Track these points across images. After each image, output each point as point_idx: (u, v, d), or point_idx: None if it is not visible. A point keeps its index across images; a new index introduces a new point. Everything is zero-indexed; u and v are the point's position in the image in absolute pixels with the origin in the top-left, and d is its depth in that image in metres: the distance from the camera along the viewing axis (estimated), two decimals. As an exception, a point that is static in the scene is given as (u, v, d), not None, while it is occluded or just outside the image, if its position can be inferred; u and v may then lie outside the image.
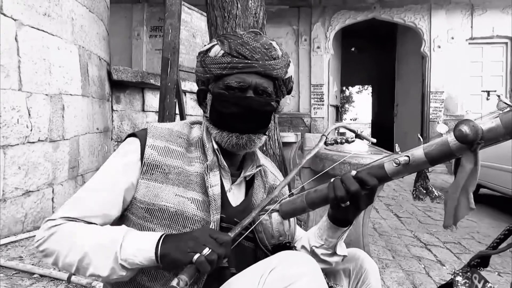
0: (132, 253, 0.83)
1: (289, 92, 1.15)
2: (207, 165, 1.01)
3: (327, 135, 1.13)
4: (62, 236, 0.88)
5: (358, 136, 1.20)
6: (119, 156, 1.02)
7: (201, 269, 0.79)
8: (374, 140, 1.21)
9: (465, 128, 0.71)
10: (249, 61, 1.00)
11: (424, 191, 0.89)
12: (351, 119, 33.64)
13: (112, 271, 0.83)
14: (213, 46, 1.05)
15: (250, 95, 1.02)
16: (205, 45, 1.09)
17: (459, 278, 0.83)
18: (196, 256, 0.79)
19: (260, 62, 1.01)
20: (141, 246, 0.84)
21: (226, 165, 1.06)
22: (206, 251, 0.80)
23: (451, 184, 0.79)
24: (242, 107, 1.00)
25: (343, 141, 1.17)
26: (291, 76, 1.12)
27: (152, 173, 0.98)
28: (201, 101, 1.12)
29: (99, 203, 0.94)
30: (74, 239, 0.87)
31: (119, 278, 0.85)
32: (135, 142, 1.02)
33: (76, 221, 0.91)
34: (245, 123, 1.02)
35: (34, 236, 2.69)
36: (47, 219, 0.92)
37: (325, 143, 1.14)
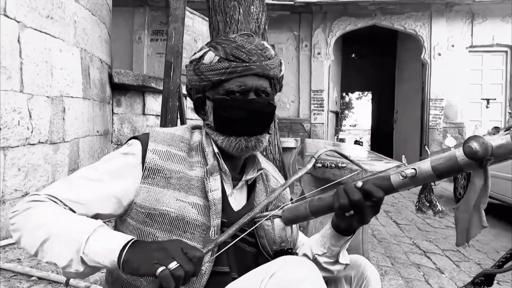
0: (96, 250, 0.79)
1: (279, 89, 1.15)
2: (206, 170, 1.01)
3: (317, 157, 1.08)
4: (35, 214, 0.85)
5: (351, 161, 1.15)
6: (119, 154, 1.01)
7: (164, 284, 0.73)
8: (367, 168, 1.18)
9: (475, 145, 0.70)
10: (247, 64, 1.00)
11: (428, 204, 0.88)
12: (350, 125, 33.65)
13: (70, 263, 0.80)
14: (205, 53, 1.04)
15: (252, 97, 1.01)
16: (195, 53, 1.07)
17: (463, 297, 0.83)
18: (160, 269, 0.74)
19: (258, 63, 1.01)
20: (107, 245, 0.80)
21: (227, 169, 1.05)
22: (173, 265, 0.74)
23: (460, 202, 0.79)
24: (247, 110, 1.00)
25: (333, 165, 1.14)
26: (283, 74, 1.12)
27: (154, 178, 0.97)
28: (198, 109, 1.11)
29: (87, 193, 0.93)
30: (44, 219, 0.84)
31: (76, 274, 0.81)
32: (137, 145, 1.01)
33: (57, 203, 0.89)
34: (252, 126, 1.02)
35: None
36: (32, 193, 0.91)
37: (314, 166, 1.11)
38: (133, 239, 0.81)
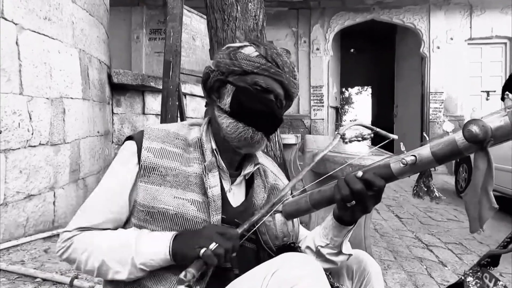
0: (149, 257, 0.91)
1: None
2: (205, 166, 1.01)
3: (342, 134, 1.10)
4: (79, 247, 0.95)
5: (376, 132, 1.15)
6: (119, 161, 1.03)
7: (208, 261, 0.85)
8: (395, 137, 1.15)
9: (475, 128, 0.70)
10: (280, 71, 1.05)
11: (425, 189, 0.88)
12: (350, 120, 33.64)
13: (131, 274, 0.92)
14: (245, 46, 1.08)
15: (272, 99, 1.06)
16: (234, 43, 1.13)
17: (469, 278, 0.83)
18: (202, 250, 0.86)
19: (287, 75, 1.06)
20: (155, 249, 0.91)
21: (224, 165, 1.06)
22: (213, 245, 0.87)
23: (468, 188, 0.78)
24: (268, 108, 1.04)
25: (360, 139, 1.15)
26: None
27: (149, 176, 0.98)
28: (213, 90, 1.10)
29: (107, 211, 0.98)
30: (90, 248, 0.94)
31: (139, 277, 0.93)
32: (132, 146, 1.03)
33: (89, 229, 0.98)
34: (264, 122, 1.04)
35: (36, 240, 2.69)
36: (63, 230, 0.99)
37: (344, 141, 1.13)
38: (174, 234, 0.93)
